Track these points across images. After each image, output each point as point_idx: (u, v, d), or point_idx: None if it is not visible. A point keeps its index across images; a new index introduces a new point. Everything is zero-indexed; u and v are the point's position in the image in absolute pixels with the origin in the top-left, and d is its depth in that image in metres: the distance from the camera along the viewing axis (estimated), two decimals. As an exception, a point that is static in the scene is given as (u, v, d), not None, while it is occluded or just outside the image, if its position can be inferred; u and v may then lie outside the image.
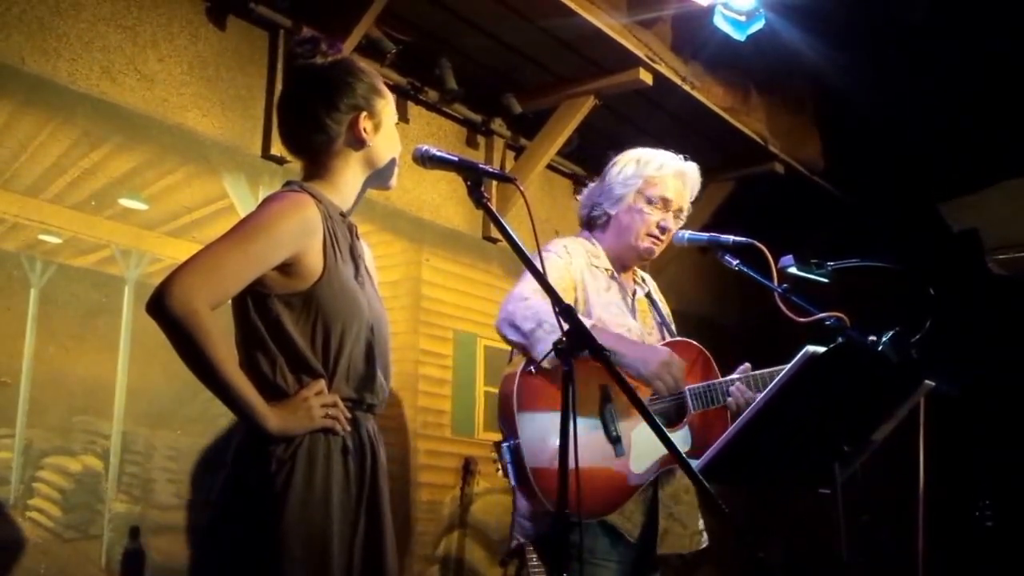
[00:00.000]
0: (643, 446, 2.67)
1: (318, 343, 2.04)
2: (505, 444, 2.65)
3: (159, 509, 3.04)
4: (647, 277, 3.13)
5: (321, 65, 2.19)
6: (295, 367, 2.04)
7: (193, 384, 1.94)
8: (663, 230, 2.91)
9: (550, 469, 2.51)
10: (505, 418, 2.68)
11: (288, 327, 2.02)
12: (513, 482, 2.65)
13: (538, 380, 2.63)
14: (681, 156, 2.98)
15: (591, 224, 3.01)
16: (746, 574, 5.16)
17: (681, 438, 2.74)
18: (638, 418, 2.62)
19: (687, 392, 2.75)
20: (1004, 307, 5.25)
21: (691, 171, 2.98)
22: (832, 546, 2.30)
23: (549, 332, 2.52)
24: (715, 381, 2.78)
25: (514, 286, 2.78)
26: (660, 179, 2.90)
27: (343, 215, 2.19)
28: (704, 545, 2.87)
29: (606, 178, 2.97)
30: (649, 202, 2.90)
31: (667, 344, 2.87)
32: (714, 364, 2.89)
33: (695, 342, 2.91)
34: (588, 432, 2.60)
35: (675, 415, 2.78)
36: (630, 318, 2.89)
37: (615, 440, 2.63)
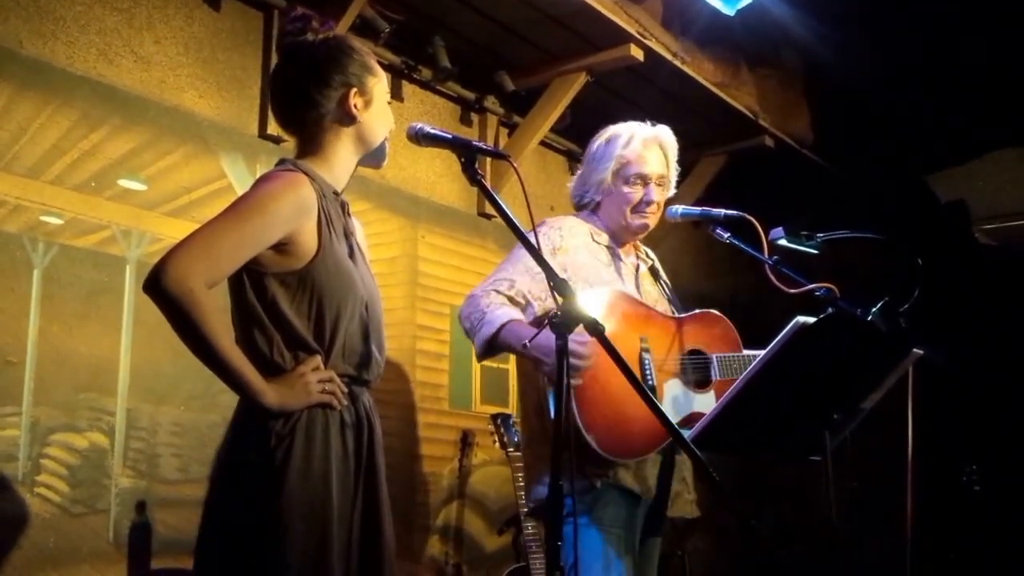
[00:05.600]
0: (671, 402, 2.73)
1: (314, 321, 2.05)
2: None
3: (164, 483, 3.10)
4: (651, 252, 3.12)
5: (312, 42, 2.18)
6: (292, 345, 2.04)
7: (195, 361, 1.95)
8: (649, 203, 2.87)
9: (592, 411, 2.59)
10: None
11: (284, 306, 2.03)
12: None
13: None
14: (649, 122, 2.92)
15: (584, 209, 3.01)
16: (737, 540, 5.25)
17: (708, 401, 2.77)
18: (670, 372, 2.75)
19: (714, 359, 2.80)
20: (991, 276, 5.30)
21: (663, 135, 2.91)
22: (822, 512, 2.33)
23: (479, 326, 2.68)
24: (741, 353, 2.82)
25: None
26: (631, 155, 2.85)
27: (336, 193, 2.18)
28: (697, 514, 2.93)
29: (587, 163, 2.96)
30: (627, 182, 2.86)
31: (695, 315, 2.89)
32: (738, 337, 2.91)
33: (720, 314, 2.93)
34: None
35: (704, 379, 2.82)
36: (634, 290, 2.92)
37: (651, 389, 2.67)
